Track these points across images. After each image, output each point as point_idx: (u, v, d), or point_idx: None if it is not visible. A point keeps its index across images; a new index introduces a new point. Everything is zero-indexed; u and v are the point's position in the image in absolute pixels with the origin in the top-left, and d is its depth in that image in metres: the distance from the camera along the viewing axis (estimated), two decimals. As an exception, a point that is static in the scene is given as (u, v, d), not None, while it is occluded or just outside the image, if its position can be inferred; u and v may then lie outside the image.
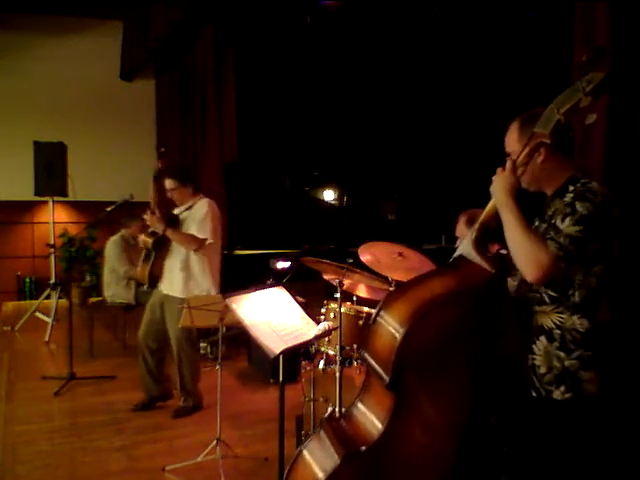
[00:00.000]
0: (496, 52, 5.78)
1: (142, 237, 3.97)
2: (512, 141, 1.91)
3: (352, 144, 7.97)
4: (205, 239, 3.83)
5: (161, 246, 3.94)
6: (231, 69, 7.24)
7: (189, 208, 4.00)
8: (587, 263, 1.76)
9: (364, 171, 8.11)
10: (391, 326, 1.72)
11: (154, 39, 6.99)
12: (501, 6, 5.48)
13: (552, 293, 1.83)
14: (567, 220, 1.72)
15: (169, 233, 3.84)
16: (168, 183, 3.94)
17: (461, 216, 2.79)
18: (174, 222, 3.94)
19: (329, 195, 8.31)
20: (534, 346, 1.87)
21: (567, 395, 1.81)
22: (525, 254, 1.71)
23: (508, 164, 1.81)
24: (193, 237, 3.83)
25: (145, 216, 3.91)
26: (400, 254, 3.38)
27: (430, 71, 6.79)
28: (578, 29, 2.68)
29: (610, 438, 2.26)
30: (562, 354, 1.81)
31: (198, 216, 3.88)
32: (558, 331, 1.82)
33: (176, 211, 4.10)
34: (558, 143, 1.78)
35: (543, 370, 1.84)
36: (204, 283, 3.93)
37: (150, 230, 3.96)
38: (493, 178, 1.84)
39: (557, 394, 1.82)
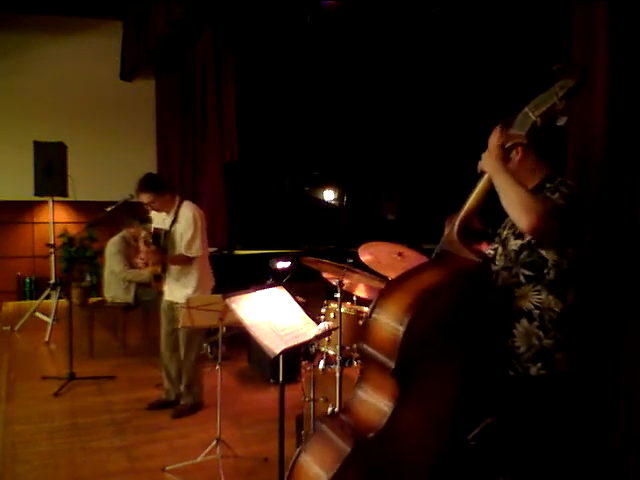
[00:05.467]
0: (496, 52, 5.78)
1: (150, 269, 4.12)
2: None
3: (352, 144, 7.97)
4: (194, 258, 3.97)
5: (166, 267, 4.09)
6: (231, 69, 7.24)
7: (174, 220, 4.00)
8: (562, 243, 1.90)
9: (364, 171, 8.11)
10: (392, 317, 1.81)
11: (154, 39, 6.98)
12: (501, 6, 5.48)
13: (528, 272, 1.96)
14: (556, 194, 1.89)
15: (168, 261, 4.01)
16: (145, 197, 3.94)
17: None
18: (159, 237, 3.99)
19: (329, 195, 8.31)
20: (514, 330, 1.98)
21: (542, 372, 1.94)
22: (521, 203, 1.82)
23: (495, 135, 1.98)
24: (184, 258, 3.96)
25: (142, 248, 4.06)
26: (400, 254, 3.38)
27: (430, 71, 6.78)
28: (578, 29, 2.68)
29: (580, 413, 2.35)
30: (541, 333, 1.94)
31: (186, 234, 3.92)
32: (537, 311, 1.94)
33: (157, 220, 4.11)
34: (534, 143, 1.94)
35: (522, 350, 1.96)
36: (201, 283, 4.02)
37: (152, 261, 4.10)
38: (482, 155, 2.00)
39: (533, 370, 1.95)
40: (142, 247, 4.01)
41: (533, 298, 1.95)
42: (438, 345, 1.84)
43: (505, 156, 1.94)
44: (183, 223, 3.96)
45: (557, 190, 1.90)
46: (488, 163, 1.96)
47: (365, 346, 1.89)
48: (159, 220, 4.11)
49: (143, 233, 4.13)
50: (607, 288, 2.44)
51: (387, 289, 1.91)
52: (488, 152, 1.98)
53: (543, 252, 1.92)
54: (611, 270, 2.43)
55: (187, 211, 3.98)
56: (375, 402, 1.88)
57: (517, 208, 1.83)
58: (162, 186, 3.99)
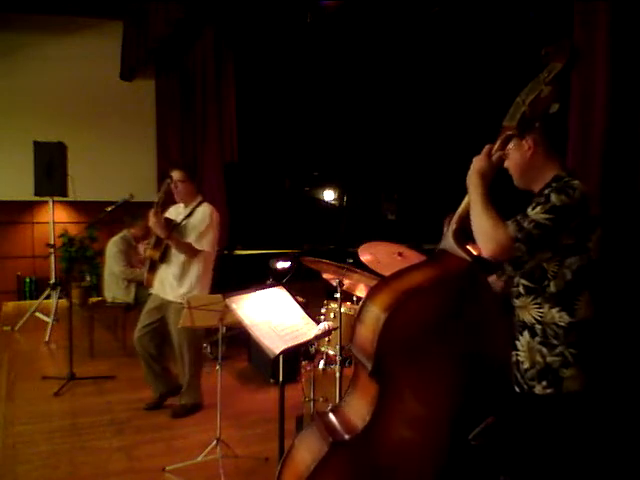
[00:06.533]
0: (496, 52, 5.78)
1: (149, 252, 4.00)
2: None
3: (352, 144, 7.96)
4: (201, 250, 3.90)
5: (165, 256, 3.99)
6: (231, 69, 7.25)
7: (189, 215, 3.99)
8: (559, 254, 1.82)
9: (364, 171, 8.11)
10: (374, 315, 1.78)
11: (154, 39, 6.99)
12: (501, 6, 5.47)
13: (527, 283, 1.89)
14: (538, 208, 1.79)
15: (172, 240, 3.87)
16: (177, 174, 3.95)
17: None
18: (169, 225, 3.94)
19: (329, 195, 8.31)
20: (517, 342, 1.92)
21: (548, 390, 1.85)
22: (484, 229, 1.80)
23: (484, 149, 1.92)
24: (191, 247, 3.89)
25: (150, 215, 3.87)
26: (400, 254, 3.39)
27: (430, 71, 6.79)
28: (578, 30, 2.68)
29: (593, 436, 2.28)
30: (544, 349, 1.85)
31: (199, 226, 3.90)
32: (539, 326, 1.86)
33: (172, 214, 4.09)
34: (545, 136, 1.90)
35: (526, 365, 1.89)
36: (198, 287, 3.96)
37: (153, 242, 3.96)
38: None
39: (538, 389, 1.86)
40: (150, 217, 3.85)
41: (534, 311, 1.86)
42: (421, 347, 1.79)
43: (487, 172, 1.88)
44: (198, 217, 3.94)
45: (548, 199, 1.79)
46: (470, 172, 1.91)
47: (352, 347, 1.88)
48: (174, 216, 4.08)
49: (157, 197, 4.00)
50: (625, 294, 2.39)
51: (374, 288, 1.88)
52: (472, 164, 1.92)
53: (544, 264, 1.83)
54: (624, 274, 2.40)
55: (205, 208, 3.99)
56: (357, 404, 1.87)
57: (480, 232, 1.81)
58: (193, 176, 4.08)
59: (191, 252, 3.89)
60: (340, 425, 1.87)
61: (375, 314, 1.77)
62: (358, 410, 1.85)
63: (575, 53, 1.76)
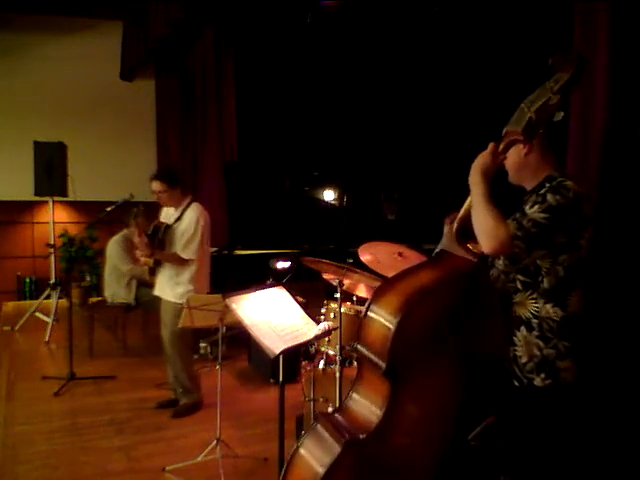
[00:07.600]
0: (496, 52, 5.78)
1: (143, 259, 4.07)
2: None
3: (352, 144, 7.96)
4: (189, 260, 3.93)
5: (159, 261, 4.06)
6: (231, 69, 7.26)
7: (179, 218, 4.00)
8: (553, 251, 1.87)
9: (364, 171, 8.11)
10: (384, 317, 1.80)
11: (154, 39, 6.99)
12: (501, 6, 5.47)
13: (523, 278, 1.93)
14: (535, 207, 1.84)
15: (156, 256, 3.98)
16: (157, 186, 3.94)
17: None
18: (158, 231, 3.99)
19: (329, 195, 8.31)
20: (515, 338, 1.95)
21: (547, 382, 1.89)
22: (485, 227, 1.82)
23: (489, 147, 1.92)
24: (177, 257, 3.94)
25: (135, 237, 3.97)
26: (400, 254, 3.38)
27: (430, 71, 6.79)
28: (578, 29, 2.68)
29: (588, 425, 2.35)
30: (541, 343, 1.90)
31: (186, 233, 3.91)
32: (535, 320, 1.91)
33: (167, 215, 4.12)
34: (544, 138, 1.93)
35: (524, 360, 1.93)
36: (194, 286, 3.97)
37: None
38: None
39: (538, 381, 1.91)
40: (136, 238, 3.96)
41: (530, 306, 1.91)
42: (431, 346, 1.82)
43: (490, 171, 1.89)
44: (185, 224, 3.95)
45: (544, 199, 1.82)
46: (472, 170, 1.93)
47: (359, 346, 1.89)
48: (167, 217, 4.11)
49: (139, 219, 4.12)
50: (621, 291, 2.41)
51: (380, 289, 1.89)
52: (476, 161, 1.93)
53: (538, 260, 1.88)
54: (621, 273, 2.42)
55: (192, 212, 3.98)
56: (367, 403, 1.88)
57: (481, 229, 1.83)
58: (177, 182, 4.02)
59: (178, 262, 3.95)
60: (351, 425, 1.86)
61: (385, 317, 1.79)
62: (369, 409, 1.85)
63: (582, 64, 1.75)
